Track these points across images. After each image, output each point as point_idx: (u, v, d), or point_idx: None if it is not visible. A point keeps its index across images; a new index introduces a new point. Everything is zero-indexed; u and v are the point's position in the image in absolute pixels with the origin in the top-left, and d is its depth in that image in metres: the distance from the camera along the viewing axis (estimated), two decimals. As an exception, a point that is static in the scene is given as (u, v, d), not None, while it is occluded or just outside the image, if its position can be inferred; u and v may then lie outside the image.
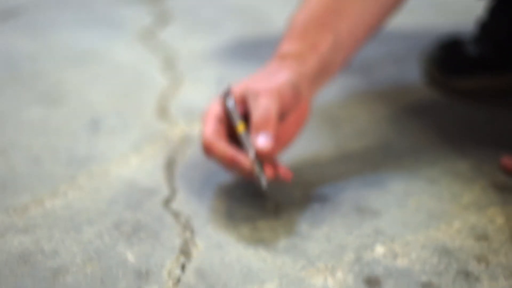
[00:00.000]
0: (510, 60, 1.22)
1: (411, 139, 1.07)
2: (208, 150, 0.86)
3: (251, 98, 0.87)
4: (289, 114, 0.88)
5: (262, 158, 0.84)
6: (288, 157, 0.98)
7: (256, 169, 0.83)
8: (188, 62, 1.36)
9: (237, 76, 1.28)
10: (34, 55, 1.39)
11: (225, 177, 0.95)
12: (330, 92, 1.15)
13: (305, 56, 0.92)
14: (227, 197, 0.91)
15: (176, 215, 0.88)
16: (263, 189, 0.84)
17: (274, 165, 0.86)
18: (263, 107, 0.85)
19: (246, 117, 0.88)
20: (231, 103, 0.88)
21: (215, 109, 0.89)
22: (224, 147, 0.85)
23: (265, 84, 0.87)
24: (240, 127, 0.86)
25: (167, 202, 0.90)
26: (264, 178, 0.83)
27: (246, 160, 0.84)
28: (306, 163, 0.99)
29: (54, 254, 0.81)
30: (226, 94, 0.89)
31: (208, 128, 0.87)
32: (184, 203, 0.90)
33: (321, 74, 0.94)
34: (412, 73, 1.30)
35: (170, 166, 0.99)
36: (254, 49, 1.43)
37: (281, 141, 0.88)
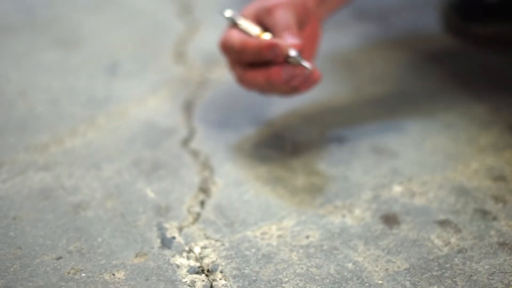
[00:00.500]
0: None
1: (427, 84, 1.07)
2: (243, 45, 0.82)
3: (265, 16, 0.84)
4: (302, 30, 0.86)
5: None
6: (305, 99, 0.98)
7: (295, 57, 0.80)
8: (205, 7, 1.36)
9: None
10: (51, 0, 1.38)
11: (243, 118, 0.96)
12: (346, 38, 1.15)
13: None
14: (244, 138, 0.92)
15: (194, 154, 0.88)
16: (309, 68, 0.80)
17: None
18: (280, 18, 0.83)
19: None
20: (241, 19, 0.85)
21: (232, 35, 0.85)
22: (257, 40, 0.82)
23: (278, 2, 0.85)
24: (261, 33, 0.84)
25: (185, 141, 0.91)
26: (304, 60, 0.80)
27: (283, 43, 0.80)
28: (323, 106, 0.99)
29: (75, 190, 0.81)
30: (231, 19, 0.86)
31: (235, 33, 0.84)
32: (202, 142, 0.91)
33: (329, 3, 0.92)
34: (429, 20, 1.29)
35: (188, 107, 0.99)
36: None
37: (305, 53, 0.85)
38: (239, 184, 0.83)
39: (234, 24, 0.86)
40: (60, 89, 1.03)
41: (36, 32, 1.24)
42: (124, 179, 0.83)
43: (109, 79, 1.07)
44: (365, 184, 0.83)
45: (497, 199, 0.81)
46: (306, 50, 0.86)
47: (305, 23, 0.87)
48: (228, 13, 0.87)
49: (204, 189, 0.82)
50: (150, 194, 0.81)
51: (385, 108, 1.00)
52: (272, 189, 0.82)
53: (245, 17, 0.87)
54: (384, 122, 0.96)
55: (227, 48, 0.85)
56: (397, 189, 0.82)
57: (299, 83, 0.82)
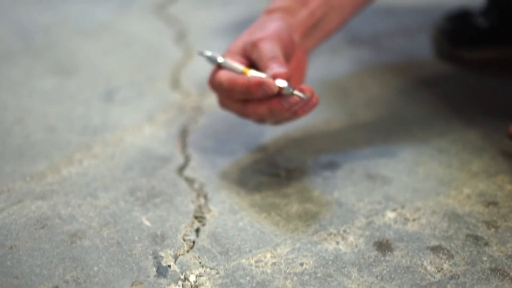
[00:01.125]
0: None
1: (420, 109, 1.08)
2: (231, 84, 0.82)
3: (252, 49, 0.85)
4: (288, 61, 0.87)
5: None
6: (299, 125, 0.99)
7: (287, 88, 0.81)
8: (199, 34, 1.37)
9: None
10: (48, 27, 1.40)
11: (237, 144, 0.97)
12: (340, 63, 1.16)
13: (294, 9, 0.91)
14: (239, 165, 0.93)
15: (189, 181, 0.89)
16: (304, 97, 0.81)
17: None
18: (266, 50, 0.84)
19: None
20: (222, 59, 0.86)
21: (218, 74, 0.86)
22: (247, 76, 0.82)
23: (261, 32, 0.86)
24: (246, 70, 0.84)
25: (180, 169, 0.92)
26: (296, 90, 0.81)
27: (272, 80, 0.81)
28: (316, 131, 1.00)
29: (71, 219, 0.82)
30: (212, 58, 0.87)
31: (223, 71, 0.85)
32: (197, 170, 0.92)
33: (314, 30, 0.93)
34: (421, 45, 1.31)
35: (183, 134, 1.00)
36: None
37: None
38: (234, 211, 0.84)
39: (218, 64, 0.87)
40: (56, 117, 1.04)
41: (32, 59, 1.25)
42: (120, 208, 0.84)
43: (105, 106, 1.08)
44: (359, 211, 0.84)
45: (489, 224, 0.81)
46: (293, 79, 0.87)
47: (291, 55, 0.88)
48: (208, 52, 0.88)
49: (199, 217, 0.83)
50: (146, 222, 0.82)
51: (378, 133, 1.01)
52: (266, 217, 0.83)
53: (232, 52, 0.87)
54: (377, 148, 0.97)
55: (216, 87, 0.86)
56: (390, 215, 0.83)
57: (299, 107, 0.83)
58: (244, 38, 0.88)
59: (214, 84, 0.85)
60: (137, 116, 1.05)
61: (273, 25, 0.87)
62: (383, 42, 1.31)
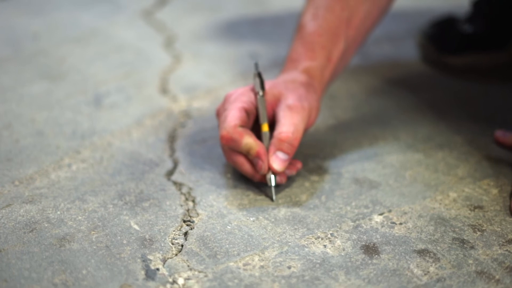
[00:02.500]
0: (501, 37, 1.24)
1: (407, 114, 1.09)
2: (235, 138, 0.86)
3: (284, 107, 0.88)
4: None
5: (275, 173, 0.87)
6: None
7: (270, 179, 0.87)
8: (188, 40, 1.38)
9: (236, 54, 1.30)
10: (36, 33, 1.40)
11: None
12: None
13: (323, 68, 0.95)
14: (227, 169, 0.93)
15: (178, 186, 0.90)
16: (273, 200, 0.87)
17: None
18: (294, 123, 0.87)
19: (270, 120, 0.90)
20: (262, 94, 0.89)
21: (244, 98, 0.89)
22: (255, 139, 0.86)
23: (300, 101, 0.89)
24: (265, 126, 0.88)
25: (169, 173, 0.92)
26: (274, 192, 0.87)
27: (266, 166, 0.86)
28: (305, 136, 1.00)
29: (60, 223, 0.82)
30: (258, 84, 0.90)
31: (236, 115, 0.87)
32: (185, 174, 0.92)
33: (331, 82, 0.99)
34: (407, 51, 1.32)
35: (171, 139, 1.01)
36: (253, 29, 1.45)
37: None
38: (222, 215, 0.84)
39: (255, 92, 0.90)
40: (45, 122, 1.05)
41: (22, 65, 1.25)
42: (109, 211, 0.84)
43: (94, 111, 1.08)
44: (346, 215, 0.85)
45: (475, 228, 0.82)
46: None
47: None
48: (259, 73, 0.91)
49: (187, 221, 0.83)
50: (134, 226, 0.82)
51: (365, 138, 1.02)
52: (254, 220, 0.83)
53: (267, 91, 0.90)
54: (364, 153, 0.98)
55: (222, 124, 0.88)
56: (377, 219, 0.84)
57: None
58: (281, 90, 0.90)
59: (232, 126, 0.87)
60: (126, 121, 1.05)
61: (311, 99, 0.90)
62: (370, 49, 1.32)
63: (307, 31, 0.97)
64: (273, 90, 0.90)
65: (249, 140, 0.85)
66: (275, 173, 0.86)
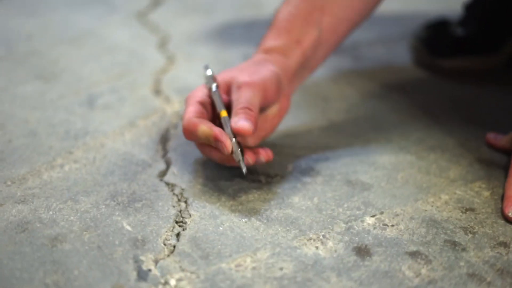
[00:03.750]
0: (494, 40, 1.25)
1: (399, 116, 1.09)
2: (191, 129, 0.86)
3: (235, 89, 0.89)
4: (270, 108, 0.91)
5: (242, 141, 0.86)
6: (279, 132, 1.00)
7: (237, 154, 0.85)
8: (181, 41, 1.38)
9: (229, 56, 1.30)
10: (30, 34, 1.40)
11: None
12: (320, 72, 1.17)
13: (290, 51, 0.94)
14: (219, 170, 0.93)
15: (170, 186, 0.90)
16: (244, 174, 0.86)
17: (255, 151, 0.89)
18: (245, 98, 0.86)
19: (228, 107, 0.90)
20: (215, 88, 0.90)
21: (199, 93, 0.90)
22: (209, 126, 0.85)
23: (250, 77, 0.89)
24: (223, 113, 0.88)
25: (161, 174, 0.92)
26: (244, 164, 0.85)
27: (229, 141, 0.84)
28: (297, 138, 1.01)
29: (52, 223, 0.82)
30: (210, 79, 0.91)
31: (191, 109, 0.88)
32: (178, 175, 0.92)
33: (303, 69, 0.97)
34: (400, 54, 1.33)
35: (164, 140, 1.01)
36: (245, 31, 1.45)
37: (260, 132, 0.90)
38: (214, 216, 0.84)
39: (208, 81, 0.91)
40: (38, 122, 1.04)
41: (15, 65, 1.25)
42: (101, 212, 0.84)
43: (87, 111, 1.08)
44: (338, 216, 0.85)
45: (466, 230, 0.83)
46: (267, 128, 0.92)
47: (275, 102, 0.91)
48: (209, 72, 0.92)
49: (179, 222, 0.83)
50: (127, 226, 0.82)
51: (358, 140, 1.02)
52: (247, 221, 0.83)
53: (220, 80, 0.91)
54: (357, 155, 0.98)
55: (185, 120, 0.87)
56: (369, 221, 0.84)
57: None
58: (233, 74, 0.91)
59: (187, 118, 0.87)
60: (118, 121, 1.05)
61: (264, 72, 0.90)
62: (363, 51, 1.32)
63: (277, 19, 0.98)
64: (225, 78, 0.91)
65: (203, 128, 0.85)
66: (242, 148, 0.85)
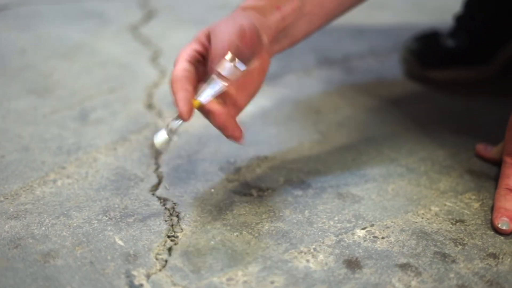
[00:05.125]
0: (484, 52, 1.26)
1: (390, 128, 1.10)
2: (172, 86, 0.86)
3: (212, 36, 0.87)
4: (252, 62, 0.88)
5: (232, 102, 0.85)
6: (271, 145, 1.01)
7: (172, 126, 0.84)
8: (174, 55, 1.38)
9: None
10: (23, 48, 1.41)
11: (210, 164, 0.98)
12: (312, 84, 1.18)
13: (268, 12, 0.92)
14: (211, 184, 0.94)
15: (162, 201, 0.90)
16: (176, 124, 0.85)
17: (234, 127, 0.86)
18: (220, 40, 0.86)
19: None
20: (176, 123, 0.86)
21: (187, 50, 0.89)
22: (179, 97, 0.84)
23: (225, 23, 0.88)
24: (196, 103, 0.85)
25: (153, 188, 0.93)
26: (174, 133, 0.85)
27: (185, 112, 0.84)
28: (288, 151, 1.01)
29: (44, 239, 0.83)
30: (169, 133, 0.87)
31: (177, 68, 0.88)
32: (170, 190, 0.93)
33: (283, 35, 0.94)
34: (391, 66, 1.33)
35: (156, 155, 1.01)
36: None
37: (245, 90, 0.88)
38: (206, 230, 0.85)
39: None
40: (30, 137, 1.05)
41: (8, 80, 1.26)
42: (93, 227, 0.85)
43: (80, 126, 1.09)
44: (329, 229, 0.85)
45: (456, 242, 0.83)
46: (252, 85, 0.89)
47: (256, 54, 0.88)
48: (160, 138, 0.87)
49: (171, 236, 0.84)
50: (119, 241, 0.82)
51: (349, 153, 1.02)
52: (238, 235, 0.84)
53: (196, 37, 0.90)
54: (348, 167, 0.98)
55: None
56: (360, 233, 0.85)
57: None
58: (210, 25, 0.90)
59: (171, 80, 0.87)
60: (111, 136, 1.06)
61: (242, 19, 0.88)
62: (354, 63, 1.33)
63: None
64: (204, 32, 0.90)
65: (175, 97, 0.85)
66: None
